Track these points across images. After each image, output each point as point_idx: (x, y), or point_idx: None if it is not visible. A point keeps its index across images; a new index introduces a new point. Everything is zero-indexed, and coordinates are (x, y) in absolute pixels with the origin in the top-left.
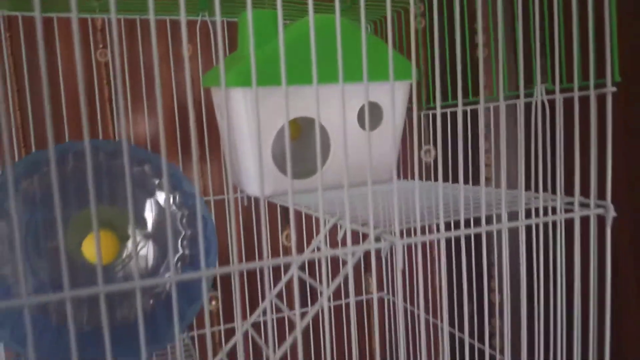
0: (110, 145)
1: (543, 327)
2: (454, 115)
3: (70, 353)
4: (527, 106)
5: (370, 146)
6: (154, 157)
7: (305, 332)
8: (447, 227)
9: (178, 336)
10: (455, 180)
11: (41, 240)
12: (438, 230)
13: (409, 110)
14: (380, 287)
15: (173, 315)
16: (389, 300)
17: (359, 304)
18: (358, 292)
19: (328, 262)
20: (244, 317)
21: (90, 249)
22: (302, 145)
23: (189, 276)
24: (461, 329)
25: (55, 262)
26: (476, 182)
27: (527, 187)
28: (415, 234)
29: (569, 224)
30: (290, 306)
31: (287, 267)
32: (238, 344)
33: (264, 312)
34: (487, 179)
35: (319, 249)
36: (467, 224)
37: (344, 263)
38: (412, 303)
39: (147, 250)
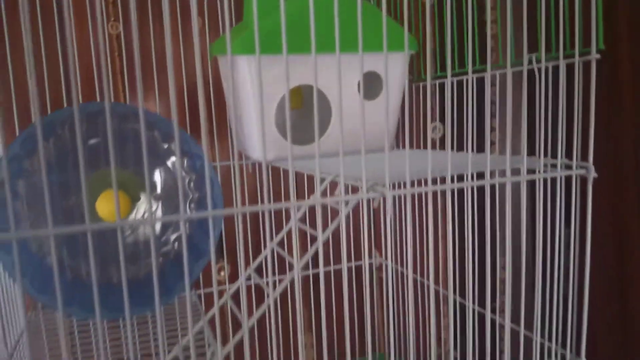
0: (121, 107)
1: (524, 285)
2: (458, 85)
3: (85, 305)
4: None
5: (363, 113)
6: (163, 122)
7: (305, 284)
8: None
9: (188, 283)
10: (459, 148)
11: (57, 202)
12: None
13: (410, 81)
14: (381, 254)
15: (180, 272)
16: (386, 265)
17: (359, 269)
18: (358, 258)
19: (329, 210)
20: (248, 264)
21: (102, 207)
22: (305, 113)
23: (198, 215)
24: (463, 294)
25: (70, 221)
26: (480, 149)
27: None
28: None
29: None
30: (291, 255)
31: (287, 220)
32: (241, 287)
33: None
34: (492, 146)
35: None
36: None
37: (347, 226)
38: (416, 272)
39: (156, 213)
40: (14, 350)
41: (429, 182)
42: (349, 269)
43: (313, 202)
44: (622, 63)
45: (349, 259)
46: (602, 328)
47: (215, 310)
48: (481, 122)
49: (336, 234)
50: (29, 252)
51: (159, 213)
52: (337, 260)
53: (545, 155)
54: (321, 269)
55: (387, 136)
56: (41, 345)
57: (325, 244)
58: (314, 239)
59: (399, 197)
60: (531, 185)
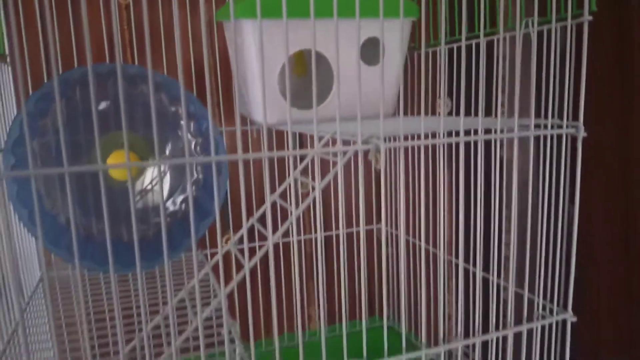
0: (129, 68)
1: (516, 242)
2: (457, 50)
3: (96, 259)
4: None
5: (359, 73)
6: (170, 83)
7: (308, 252)
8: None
9: (193, 237)
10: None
11: (68, 163)
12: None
13: (412, 49)
14: (377, 220)
15: (187, 230)
16: (388, 232)
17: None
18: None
19: (330, 166)
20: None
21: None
22: (309, 81)
23: (203, 159)
24: (457, 256)
25: (81, 181)
26: (488, 115)
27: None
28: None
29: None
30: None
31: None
32: (244, 234)
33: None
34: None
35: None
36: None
37: (350, 195)
38: (414, 235)
39: (165, 175)
40: (30, 299)
41: (422, 136)
42: (355, 235)
43: (311, 152)
44: (634, 23)
45: (351, 226)
46: (605, 289)
47: (219, 256)
48: (487, 88)
49: (339, 198)
50: (43, 210)
51: (167, 175)
52: (331, 227)
53: (539, 115)
54: (319, 215)
55: (382, 94)
56: (55, 297)
57: (329, 209)
58: (315, 200)
59: (394, 155)
60: (530, 144)
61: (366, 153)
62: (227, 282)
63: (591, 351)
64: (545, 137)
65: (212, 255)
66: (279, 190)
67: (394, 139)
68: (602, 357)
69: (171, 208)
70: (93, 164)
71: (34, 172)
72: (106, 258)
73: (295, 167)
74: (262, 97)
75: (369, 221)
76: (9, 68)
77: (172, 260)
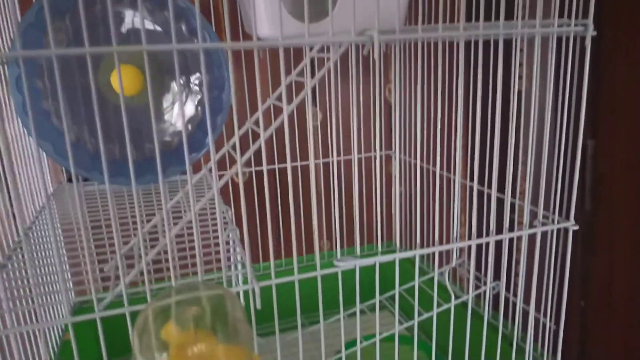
0: None
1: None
2: None
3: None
4: None
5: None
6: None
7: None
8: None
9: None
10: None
11: (75, 77)
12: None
13: None
14: (388, 146)
15: (192, 147)
16: (393, 157)
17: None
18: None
19: (325, 62)
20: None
21: (116, 81)
22: None
23: (190, 46)
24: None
25: (88, 98)
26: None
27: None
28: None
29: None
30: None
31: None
32: (237, 139)
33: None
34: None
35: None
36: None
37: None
38: (411, 156)
39: (172, 96)
40: (42, 208)
41: (419, 30)
42: (365, 161)
43: (301, 43)
44: None
45: (360, 152)
46: (623, 243)
47: (213, 162)
48: None
49: (347, 141)
50: (52, 125)
51: (176, 95)
52: (347, 152)
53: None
54: (310, 114)
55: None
56: (66, 209)
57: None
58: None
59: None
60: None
61: (368, 58)
62: (233, 194)
63: (604, 303)
64: (560, 39)
65: (220, 177)
66: (275, 93)
67: (390, 34)
68: (614, 313)
69: (177, 128)
70: (81, 48)
71: (22, 54)
72: (114, 172)
73: (286, 60)
74: (264, 12)
75: (385, 148)
76: None
77: (179, 175)
